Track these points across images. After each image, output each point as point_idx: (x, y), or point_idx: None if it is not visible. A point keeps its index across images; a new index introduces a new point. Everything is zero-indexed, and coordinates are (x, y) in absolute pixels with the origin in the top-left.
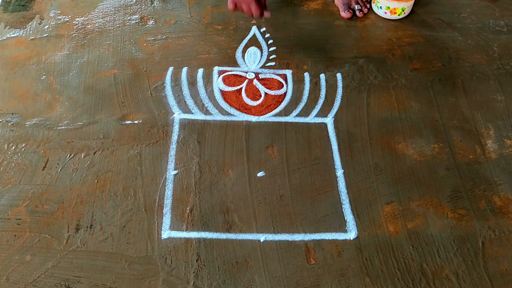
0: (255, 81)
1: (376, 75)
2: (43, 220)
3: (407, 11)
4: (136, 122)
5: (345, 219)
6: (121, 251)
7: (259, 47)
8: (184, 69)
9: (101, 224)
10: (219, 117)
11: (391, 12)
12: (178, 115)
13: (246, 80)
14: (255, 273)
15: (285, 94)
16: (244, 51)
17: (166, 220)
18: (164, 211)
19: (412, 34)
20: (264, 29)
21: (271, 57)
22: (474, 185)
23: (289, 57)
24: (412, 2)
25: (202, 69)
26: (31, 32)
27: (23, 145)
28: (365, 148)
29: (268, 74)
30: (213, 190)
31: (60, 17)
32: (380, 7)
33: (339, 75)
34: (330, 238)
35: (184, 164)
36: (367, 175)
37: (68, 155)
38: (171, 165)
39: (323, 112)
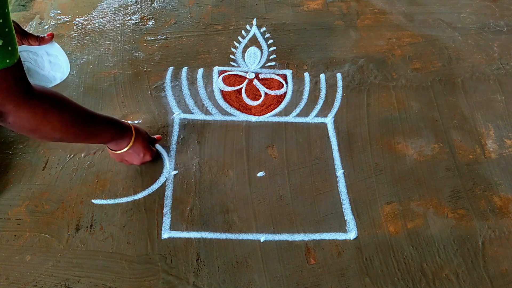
0: (255, 81)
1: (376, 75)
2: (43, 220)
3: None
4: (136, 122)
5: (345, 219)
6: (121, 250)
7: (259, 47)
8: (184, 69)
9: (101, 224)
10: (219, 117)
11: None
12: (178, 115)
13: (246, 80)
14: (255, 273)
15: (285, 94)
16: (244, 51)
17: (166, 220)
18: (164, 211)
19: (412, 34)
20: (264, 29)
21: (271, 57)
22: (474, 185)
23: (289, 57)
24: None
25: (202, 69)
26: (31, 32)
27: (23, 145)
28: (365, 148)
29: (268, 74)
30: (213, 190)
31: (60, 17)
32: None
33: (339, 75)
34: (330, 238)
35: (184, 164)
36: (367, 175)
37: (68, 155)
38: (171, 165)
39: (323, 112)
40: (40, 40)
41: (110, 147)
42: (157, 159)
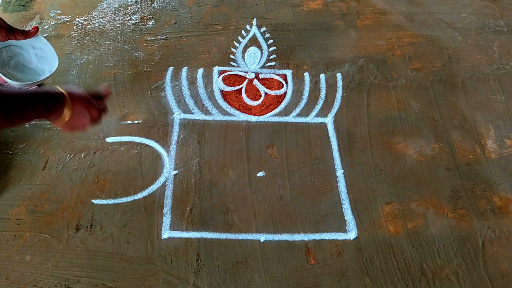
0: (255, 81)
1: (376, 75)
2: (43, 220)
3: None
4: (136, 122)
5: (345, 219)
6: (121, 250)
7: (259, 47)
8: (184, 69)
9: (101, 224)
10: (219, 117)
11: None
12: (178, 115)
13: (246, 80)
14: (255, 273)
15: (285, 94)
16: (244, 51)
17: (166, 220)
18: (164, 211)
19: (412, 34)
20: (264, 29)
21: (271, 57)
22: (474, 185)
23: (289, 57)
24: None
25: (202, 69)
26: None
27: (23, 145)
28: (365, 148)
29: (268, 74)
30: (213, 190)
31: (60, 17)
32: None
33: (339, 75)
34: (330, 238)
35: (184, 164)
36: (367, 175)
37: (68, 155)
38: (171, 165)
39: (323, 112)
40: (25, 34)
41: (51, 120)
42: (156, 159)
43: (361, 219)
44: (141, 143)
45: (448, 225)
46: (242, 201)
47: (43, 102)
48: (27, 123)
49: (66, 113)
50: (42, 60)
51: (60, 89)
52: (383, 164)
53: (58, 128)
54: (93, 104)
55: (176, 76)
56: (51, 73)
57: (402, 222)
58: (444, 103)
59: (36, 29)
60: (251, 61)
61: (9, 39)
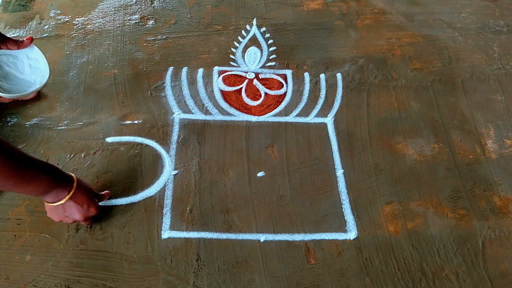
0: (255, 81)
1: (376, 75)
2: (43, 220)
3: None
4: (136, 122)
5: (345, 219)
6: (121, 251)
7: (259, 47)
8: (184, 69)
9: (101, 224)
10: (219, 117)
11: None
12: (178, 115)
13: (246, 80)
14: (255, 273)
15: (285, 94)
16: (244, 51)
17: (166, 220)
18: (164, 211)
19: (412, 34)
20: (264, 29)
21: (271, 57)
22: (474, 185)
23: (289, 57)
24: None
25: (202, 69)
26: (31, 32)
27: (23, 145)
28: (365, 148)
29: (268, 74)
30: (213, 190)
31: (60, 17)
32: None
33: (339, 75)
34: (330, 238)
35: (184, 164)
36: (367, 175)
37: (68, 155)
38: (171, 165)
39: (323, 112)
40: (19, 44)
41: (48, 200)
42: (156, 159)
43: (361, 219)
44: (141, 143)
45: (448, 225)
46: (242, 201)
47: (52, 176)
48: (23, 191)
49: (66, 198)
50: (35, 71)
51: (70, 173)
52: (383, 164)
53: (59, 128)
54: (95, 202)
55: (176, 76)
56: (41, 85)
57: (402, 222)
58: (444, 103)
59: (30, 39)
60: (251, 61)
61: (1, 48)
